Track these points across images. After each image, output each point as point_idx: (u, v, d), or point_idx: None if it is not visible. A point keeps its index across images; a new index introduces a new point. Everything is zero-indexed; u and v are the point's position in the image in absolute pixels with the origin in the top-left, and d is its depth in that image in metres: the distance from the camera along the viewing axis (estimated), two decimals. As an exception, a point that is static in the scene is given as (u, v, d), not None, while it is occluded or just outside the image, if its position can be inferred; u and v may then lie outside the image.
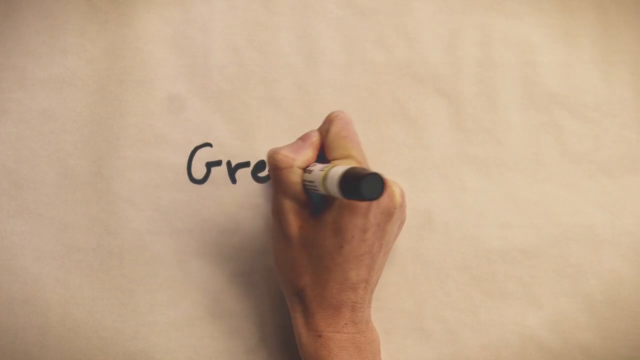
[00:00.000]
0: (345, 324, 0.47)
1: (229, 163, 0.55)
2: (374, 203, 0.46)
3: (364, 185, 0.40)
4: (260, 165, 0.55)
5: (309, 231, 0.47)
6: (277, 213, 0.48)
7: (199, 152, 0.55)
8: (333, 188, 0.43)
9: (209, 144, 0.55)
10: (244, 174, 0.55)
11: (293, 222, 0.47)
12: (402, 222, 0.51)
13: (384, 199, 0.46)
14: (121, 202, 0.54)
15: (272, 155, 0.48)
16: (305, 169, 0.47)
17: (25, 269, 0.54)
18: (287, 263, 0.48)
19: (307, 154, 0.48)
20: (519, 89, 0.55)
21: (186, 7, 0.55)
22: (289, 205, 0.47)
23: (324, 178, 0.44)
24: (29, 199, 0.54)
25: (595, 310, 0.53)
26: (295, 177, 0.47)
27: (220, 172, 0.55)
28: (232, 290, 0.54)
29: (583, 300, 0.54)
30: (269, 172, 0.49)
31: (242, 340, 0.54)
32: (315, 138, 0.49)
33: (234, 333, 0.54)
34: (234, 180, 0.55)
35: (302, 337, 0.48)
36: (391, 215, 0.47)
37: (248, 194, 0.54)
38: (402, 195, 0.48)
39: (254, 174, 0.55)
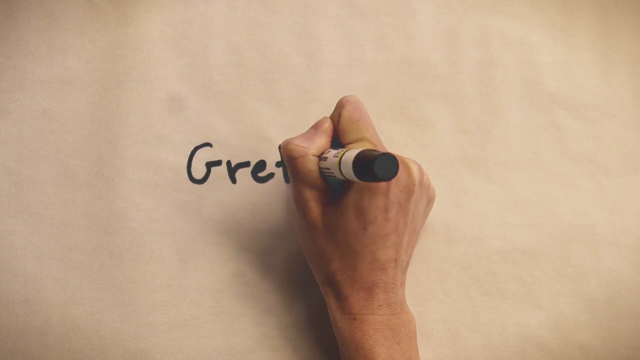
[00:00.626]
0: (379, 305, 0.47)
1: (229, 163, 0.55)
2: (393, 182, 0.46)
3: (377, 166, 0.40)
4: (260, 165, 0.55)
5: (332, 217, 0.47)
6: (298, 203, 0.48)
7: (199, 152, 0.55)
8: (349, 172, 0.43)
9: (209, 144, 0.55)
10: (244, 174, 0.55)
11: (315, 210, 0.47)
12: (431, 200, 0.51)
13: (402, 177, 0.46)
14: (121, 202, 0.54)
15: (286, 145, 0.48)
16: (320, 156, 0.47)
17: (25, 269, 0.54)
18: (315, 251, 0.48)
19: (321, 141, 0.48)
20: (519, 89, 0.55)
21: (186, 7, 0.55)
22: (308, 194, 0.47)
23: (339, 163, 0.44)
24: (29, 199, 0.54)
25: (595, 310, 0.53)
26: (311, 165, 0.47)
27: (220, 172, 0.55)
28: (232, 290, 0.54)
29: (583, 300, 0.53)
30: (285, 163, 0.49)
31: (242, 340, 0.54)
32: (327, 124, 0.49)
33: (233, 333, 0.54)
34: (234, 180, 0.55)
35: (337, 321, 0.48)
36: (411, 192, 0.47)
37: (248, 194, 0.54)
38: (421, 172, 0.48)
39: (254, 174, 0.55)
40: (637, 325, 0.53)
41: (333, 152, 0.46)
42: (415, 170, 0.47)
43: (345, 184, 0.47)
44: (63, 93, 0.55)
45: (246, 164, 0.55)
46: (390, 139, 0.54)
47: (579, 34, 0.55)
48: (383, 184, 0.45)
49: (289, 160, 0.48)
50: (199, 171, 0.55)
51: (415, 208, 0.48)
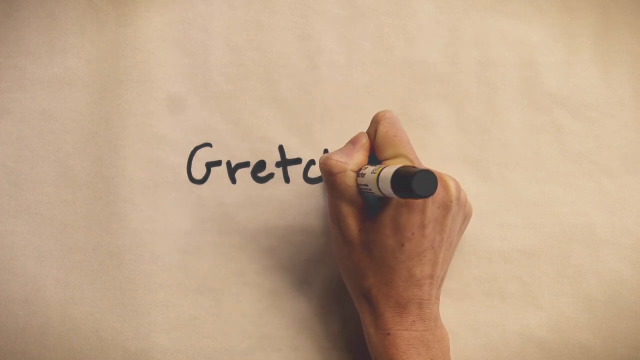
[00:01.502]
0: (413, 321, 0.47)
1: (228, 163, 0.55)
2: (430, 198, 0.46)
3: (416, 183, 0.40)
4: (260, 165, 0.55)
5: (369, 233, 0.47)
6: (335, 218, 0.48)
7: (198, 152, 0.55)
8: (387, 189, 0.43)
9: (208, 144, 0.55)
10: (243, 174, 0.55)
11: (352, 226, 0.48)
12: (467, 216, 0.51)
13: (439, 193, 0.46)
14: (121, 202, 0.54)
15: (325, 161, 0.48)
16: (358, 172, 0.47)
17: (25, 269, 0.54)
18: (351, 266, 0.48)
19: (359, 156, 0.48)
20: (519, 89, 0.55)
21: (186, 7, 0.55)
22: (346, 210, 0.48)
23: (377, 180, 0.44)
24: (29, 199, 0.54)
25: (595, 310, 0.53)
26: (349, 180, 0.47)
27: (220, 172, 0.55)
28: (233, 290, 0.54)
29: (583, 300, 0.53)
30: (322, 178, 0.49)
31: (242, 340, 0.54)
32: (365, 140, 0.49)
33: (234, 333, 0.54)
34: (233, 180, 0.55)
35: (371, 336, 0.48)
36: (448, 208, 0.47)
37: (248, 194, 0.54)
38: (458, 188, 0.48)
39: (254, 174, 0.55)
40: (637, 325, 0.53)
41: (371, 168, 0.46)
42: (452, 186, 0.47)
43: (383, 200, 0.47)
44: (63, 93, 0.55)
45: (246, 164, 0.55)
46: (390, 139, 0.54)
47: (579, 34, 0.55)
48: (420, 200, 0.45)
49: (328, 176, 0.48)
50: (199, 171, 0.55)
51: (452, 224, 0.48)
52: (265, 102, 0.55)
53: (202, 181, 0.55)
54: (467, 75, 0.55)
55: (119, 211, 0.54)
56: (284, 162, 0.55)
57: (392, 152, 0.48)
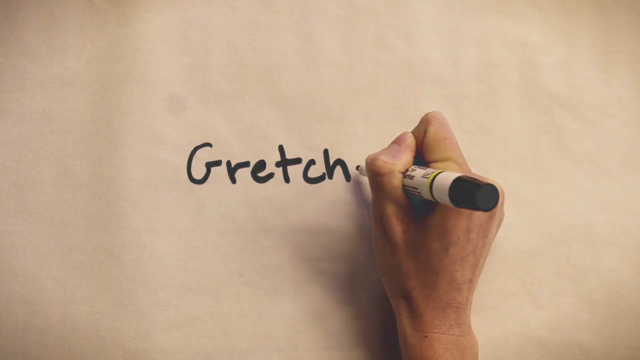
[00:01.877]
0: (450, 325, 0.47)
1: (228, 163, 0.55)
2: None
3: (479, 196, 0.40)
4: (260, 165, 0.55)
5: (414, 235, 0.47)
6: (379, 219, 0.48)
7: (198, 152, 0.55)
8: (441, 196, 0.43)
9: (208, 144, 0.55)
10: (243, 174, 0.55)
11: (397, 227, 0.48)
12: (501, 221, 0.51)
13: None
14: (121, 202, 0.54)
15: (372, 162, 0.48)
16: (404, 173, 0.47)
17: (25, 269, 0.54)
18: (393, 266, 0.48)
19: (405, 157, 0.48)
20: (519, 89, 0.55)
21: (186, 7, 0.55)
22: (391, 211, 0.47)
23: (431, 185, 0.44)
24: (29, 199, 0.54)
25: (595, 310, 0.53)
26: (396, 181, 0.47)
27: (220, 172, 0.55)
28: (232, 290, 0.54)
29: (583, 300, 0.53)
30: (368, 178, 0.48)
31: (242, 340, 0.54)
32: (411, 140, 0.49)
33: (234, 333, 0.54)
34: (233, 180, 0.55)
35: (408, 337, 0.48)
36: (493, 214, 0.47)
37: (248, 194, 0.54)
38: (502, 194, 0.48)
39: (254, 173, 0.55)
40: (637, 325, 0.53)
41: (420, 171, 0.46)
42: (500, 193, 0.47)
43: (429, 203, 0.47)
44: (63, 93, 0.55)
45: (246, 164, 0.55)
46: (390, 138, 0.54)
47: (579, 34, 0.55)
48: None
49: (374, 176, 0.48)
50: (199, 171, 0.55)
51: (493, 229, 0.48)
52: (265, 102, 0.55)
53: (202, 181, 0.55)
54: (467, 75, 0.55)
55: (119, 211, 0.54)
56: (284, 162, 0.55)
57: (441, 155, 0.48)
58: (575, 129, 0.55)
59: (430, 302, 0.47)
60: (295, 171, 0.55)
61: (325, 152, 0.55)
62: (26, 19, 0.55)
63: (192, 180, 0.55)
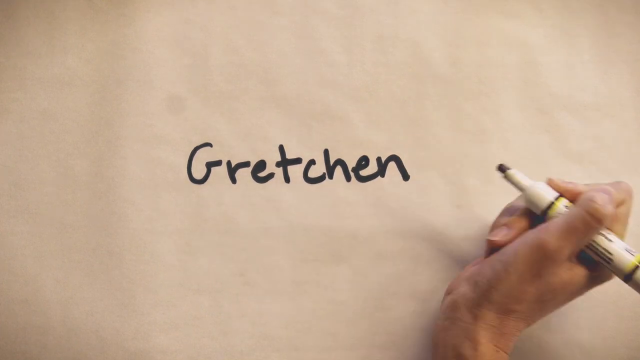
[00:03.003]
0: (509, 347, 0.48)
1: (229, 163, 0.55)
2: None
3: None
4: (260, 165, 0.55)
5: (562, 273, 0.47)
6: (553, 251, 0.46)
7: (199, 152, 0.55)
8: (623, 276, 0.46)
9: (209, 144, 0.55)
10: (244, 174, 0.55)
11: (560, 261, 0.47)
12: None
13: None
14: (121, 202, 0.54)
15: (601, 205, 0.46)
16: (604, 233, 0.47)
17: (25, 269, 0.54)
18: (515, 285, 0.47)
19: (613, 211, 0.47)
20: (519, 89, 0.55)
21: (186, 7, 0.55)
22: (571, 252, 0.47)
23: (633, 273, 0.46)
24: (29, 199, 0.54)
25: (595, 310, 0.53)
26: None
27: (220, 172, 0.55)
28: (232, 290, 0.54)
29: (583, 300, 0.53)
30: (576, 215, 0.46)
31: (242, 340, 0.54)
32: (628, 195, 0.48)
33: (234, 333, 0.54)
34: (234, 180, 0.55)
35: (487, 350, 0.47)
36: None
37: (248, 194, 0.54)
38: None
39: (254, 174, 0.55)
40: (637, 325, 0.53)
41: (623, 244, 0.46)
42: None
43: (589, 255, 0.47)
44: (63, 93, 0.55)
45: (246, 164, 0.55)
46: (391, 138, 0.54)
47: (579, 34, 0.55)
48: None
49: (588, 217, 0.46)
50: (199, 171, 0.55)
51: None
52: (265, 102, 0.55)
53: (202, 181, 0.55)
54: (467, 75, 0.55)
55: (119, 211, 0.54)
56: (284, 162, 0.55)
57: (620, 232, 0.48)
58: (575, 129, 0.55)
59: (520, 328, 0.47)
60: (295, 171, 0.55)
61: (326, 152, 0.55)
62: (26, 19, 0.55)
63: (192, 180, 0.55)
